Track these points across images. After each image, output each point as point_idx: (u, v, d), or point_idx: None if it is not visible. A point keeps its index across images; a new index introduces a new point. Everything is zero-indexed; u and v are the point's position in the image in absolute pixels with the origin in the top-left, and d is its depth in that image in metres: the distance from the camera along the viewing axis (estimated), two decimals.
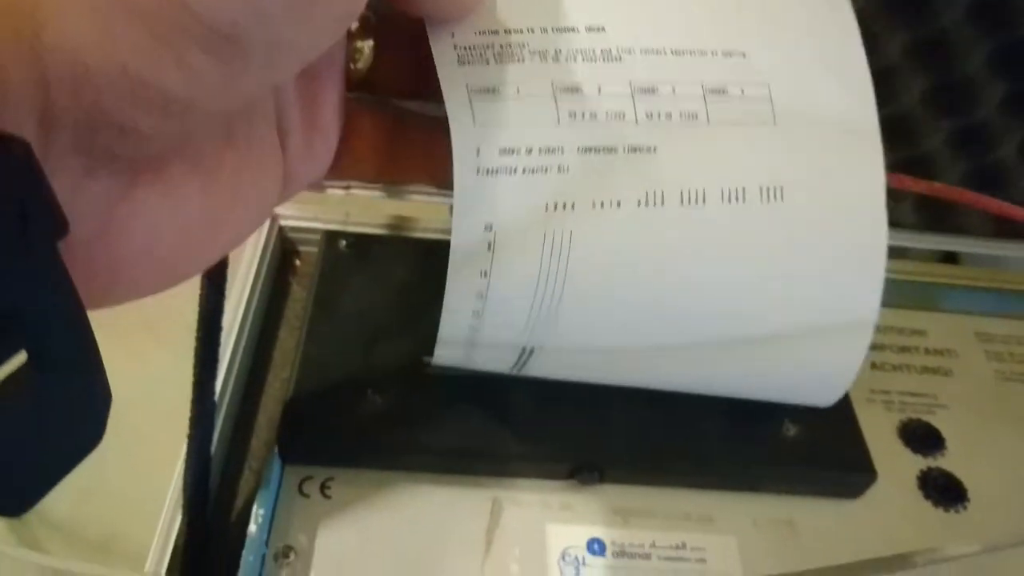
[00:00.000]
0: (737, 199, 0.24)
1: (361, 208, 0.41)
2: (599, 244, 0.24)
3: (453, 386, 0.32)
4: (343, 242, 0.38)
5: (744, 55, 0.24)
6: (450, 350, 0.28)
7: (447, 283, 0.25)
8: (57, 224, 0.13)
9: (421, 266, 0.37)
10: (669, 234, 0.24)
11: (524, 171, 0.22)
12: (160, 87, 0.14)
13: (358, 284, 0.36)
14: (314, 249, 0.39)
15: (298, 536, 0.29)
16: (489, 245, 0.23)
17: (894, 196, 0.42)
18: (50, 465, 0.15)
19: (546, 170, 0.23)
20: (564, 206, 0.23)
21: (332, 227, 0.39)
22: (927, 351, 0.40)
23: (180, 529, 0.28)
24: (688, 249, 0.25)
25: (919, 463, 0.35)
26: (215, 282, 0.26)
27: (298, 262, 0.41)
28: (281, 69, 0.16)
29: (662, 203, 0.24)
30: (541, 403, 0.32)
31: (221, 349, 0.27)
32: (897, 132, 0.39)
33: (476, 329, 0.26)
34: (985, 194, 0.31)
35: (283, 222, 0.40)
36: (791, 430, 0.33)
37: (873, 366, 0.39)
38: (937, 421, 0.36)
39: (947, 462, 0.35)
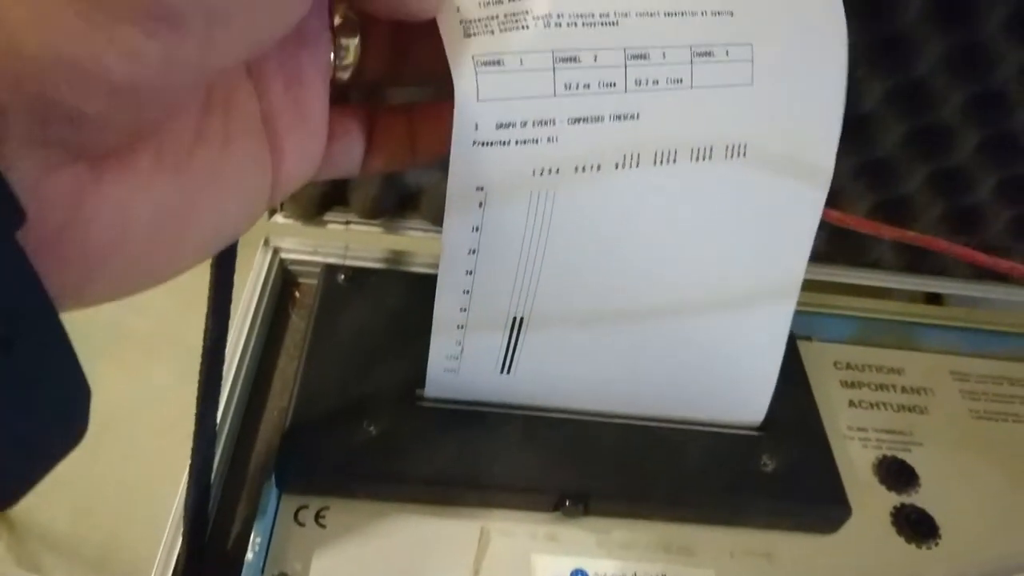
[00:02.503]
0: (705, 157, 0.27)
1: (360, 241, 0.42)
2: (579, 203, 0.27)
3: (444, 418, 0.33)
4: (341, 275, 0.39)
5: (732, 13, 0.26)
6: (445, 337, 0.30)
7: (443, 242, 0.27)
8: (13, 213, 0.13)
9: (417, 299, 0.38)
10: (640, 190, 0.27)
11: (517, 143, 0.24)
12: (98, 72, 0.14)
13: (355, 316, 0.38)
14: (314, 281, 0.41)
15: (294, 564, 0.30)
16: (480, 203, 0.26)
17: (871, 239, 0.44)
18: (34, 455, 0.15)
19: (537, 141, 0.24)
20: (551, 171, 0.25)
21: (331, 260, 0.41)
22: (904, 389, 0.41)
23: (179, 555, 0.29)
24: (654, 203, 0.27)
25: (893, 499, 0.36)
26: (219, 317, 0.27)
27: (298, 293, 0.43)
28: (224, 51, 0.16)
29: (637, 164, 0.26)
30: (528, 437, 0.33)
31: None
32: (876, 174, 0.41)
33: (469, 293, 0.29)
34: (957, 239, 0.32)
35: (284, 255, 0.42)
36: (768, 465, 0.34)
37: (851, 404, 0.40)
38: (912, 459, 0.38)
39: (920, 498, 0.36)
